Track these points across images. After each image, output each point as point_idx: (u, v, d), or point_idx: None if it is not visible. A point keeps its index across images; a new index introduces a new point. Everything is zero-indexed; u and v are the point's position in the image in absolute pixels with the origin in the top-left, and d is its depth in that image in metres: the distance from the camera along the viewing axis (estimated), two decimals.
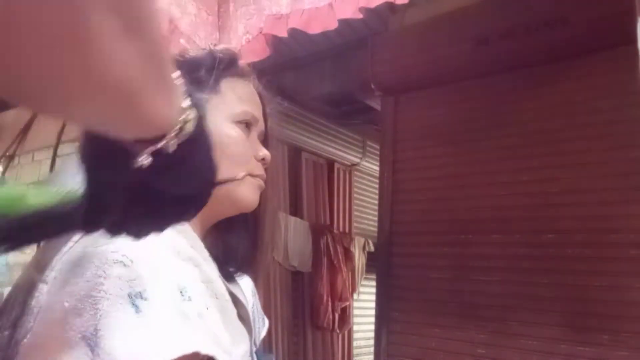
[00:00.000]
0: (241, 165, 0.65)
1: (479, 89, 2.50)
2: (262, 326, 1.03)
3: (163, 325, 0.46)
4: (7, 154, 4.03)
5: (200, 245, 0.60)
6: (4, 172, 4.02)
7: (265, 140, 0.73)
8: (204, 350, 0.47)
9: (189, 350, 0.46)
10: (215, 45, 0.69)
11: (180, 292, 0.50)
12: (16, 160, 4.02)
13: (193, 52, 0.68)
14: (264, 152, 0.69)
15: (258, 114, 0.70)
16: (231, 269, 0.72)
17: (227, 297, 0.59)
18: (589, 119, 2.17)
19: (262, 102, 0.73)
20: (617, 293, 2.01)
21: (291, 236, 4.27)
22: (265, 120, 0.74)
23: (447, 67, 2.54)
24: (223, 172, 0.61)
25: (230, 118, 0.65)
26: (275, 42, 1.72)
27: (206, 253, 0.60)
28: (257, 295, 0.99)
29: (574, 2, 2.18)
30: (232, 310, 0.60)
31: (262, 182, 0.69)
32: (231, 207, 0.67)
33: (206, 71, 0.66)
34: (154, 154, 0.34)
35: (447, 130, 2.57)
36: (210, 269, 0.58)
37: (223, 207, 0.66)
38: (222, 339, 0.52)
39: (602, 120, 2.14)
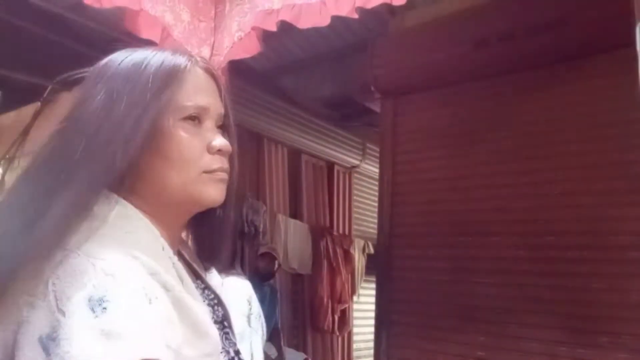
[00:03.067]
0: (192, 164, 0.60)
1: (478, 91, 2.50)
2: (261, 330, 1.02)
3: (120, 330, 0.47)
4: (7, 156, 4.03)
5: (151, 237, 0.58)
6: (4, 175, 4.01)
7: (226, 127, 0.66)
8: (155, 356, 0.47)
9: (140, 356, 0.46)
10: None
11: (142, 294, 0.50)
12: (16, 162, 4.02)
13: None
14: (218, 143, 0.61)
15: (212, 99, 0.63)
16: (217, 268, 0.71)
17: (180, 288, 0.56)
18: (588, 121, 2.17)
19: (217, 83, 0.65)
20: (616, 295, 2.01)
21: (291, 238, 4.27)
22: (225, 102, 0.66)
23: (447, 69, 2.54)
24: (176, 175, 0.59)
25: (178, 115, 0.60)
26: (277, 44, 1.72)
27: (160, 244, 0.58)
28: (257, 304, 0.96)
29: (573, 5, 2.18)
30: (195, 306, 0.57)
31: (223, 175, 0.62)
32: (195, 206, 0.63)
33: None
34: None
35: (447, 133, 2.57)
36: (160, 261, 0.56)
37: (187, 207, 0.63)
38: (170, 336, 0.51)
39: (601, 123, 2.14)
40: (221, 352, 0.62)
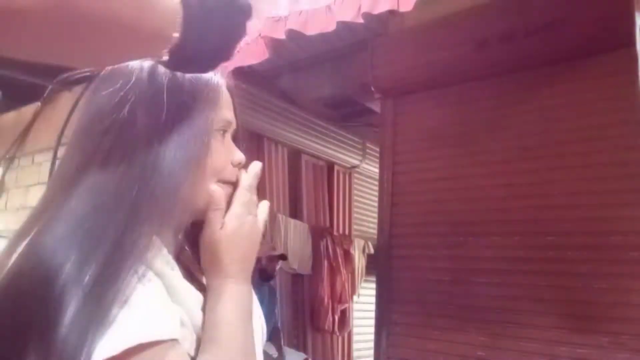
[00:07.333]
0: (216, 175, 0.63)
1: (478, 92, 2.51)
2: (261, 331, 1.02)
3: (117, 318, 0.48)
4: (7, 156, 4.03)
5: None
6: (4, 174, 4.01)
7: (237, 138, 0.69)
8: (164, 336, 0.49)
9: (145, 339, 0.47)
10: None
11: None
12: (16, 162, 4.02)
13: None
14: (239, 157, 0.66)
15: (232, 114, 0.67)
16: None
17: (174, 275, 0.58)
18: (589, 121, 2.17)
19: (232, 98, 0.68)
20: (617, 295, 2.01)
21: (291, 238, 4.27)
22: (237, 117, 0.69)
23: (447, 69, 2.54)
24: (199, 183, 0.61)
25: (214, 126, 0.63)
26: (276, 44, 1.72)
27: (156, 244, 0.59)
28: (257, 304, 0.97)
29: (573, 5, 2.18)
30: (188, 294, 0.59)
31: (230, 190, 0.66)
32: (201, 214, 0.65)
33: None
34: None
35: (447, 133, 2.57)
36: (156, 258, 0.57)
37: (199, 213, 0.65)
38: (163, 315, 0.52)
39: (601, 123, 2.14)
40: None
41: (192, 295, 0.59)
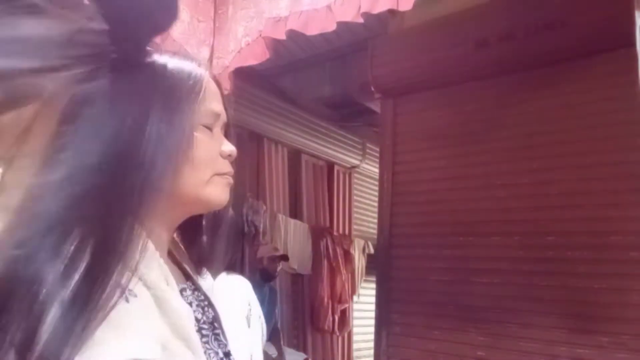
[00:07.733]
0: (208, 166, 0.62)
1: (478, 92, 2.51)
2: (261, 331, 1.02)
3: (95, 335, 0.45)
4: (7, 156, 4.03)
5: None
6: (4, 175, 4.02)
7: (227, 131, 0.68)
8: (142, 356, 0.46)
9: (126, 357, 0.45)
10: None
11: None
12: (16, 162, 4.03)
13: None
14: (229, 149, 0.65)
15: (221, 106, 0.66)
16: (210, 270, 0.71)
17: (164, 287, 0.55)
18: (589, 121, 2.17)
19: (220, 89, 0.67)
20: (617, 295, 2.01)
21: (291, 238, 4.27)
22: (226, 109, 0.68)
23: (447, 69, 2.54)
24: (189, 177, 0.60)
25: (200, 121, 0.62)
26: (276, 44, 1.72)
27: (146, 244, 0.56)
28: (257, 304, 0.96)
29: (573, 5, 2.18)
30: (177, 307, 0.56)
31: (230, 179, 0.66)
32: (202, 207, 0.66)
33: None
34: None
35: (447, 133, 2.57)
36: (145, 261, 0.53)
37: (193, 207, 0.65)
38: (154, 334, 0.50)
39: (601, 123, 2.14)
40: (209, 353, 0.62)
41: (183, 310, 0.57)
